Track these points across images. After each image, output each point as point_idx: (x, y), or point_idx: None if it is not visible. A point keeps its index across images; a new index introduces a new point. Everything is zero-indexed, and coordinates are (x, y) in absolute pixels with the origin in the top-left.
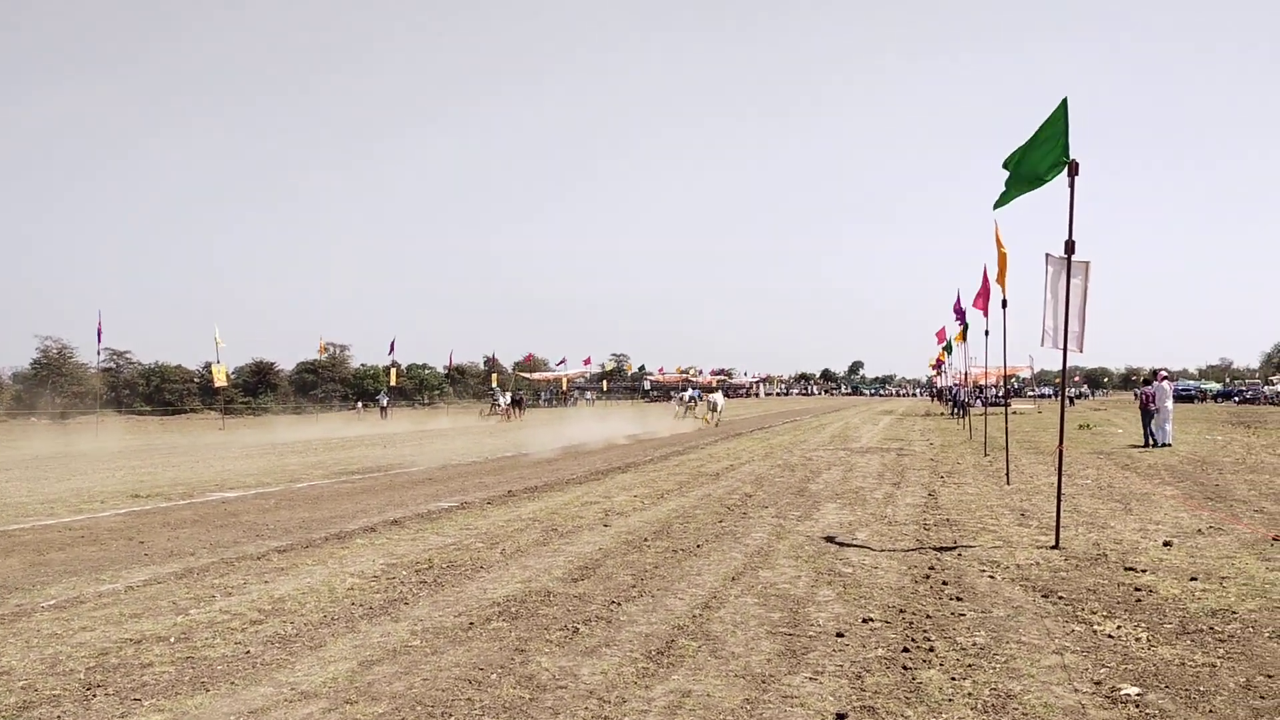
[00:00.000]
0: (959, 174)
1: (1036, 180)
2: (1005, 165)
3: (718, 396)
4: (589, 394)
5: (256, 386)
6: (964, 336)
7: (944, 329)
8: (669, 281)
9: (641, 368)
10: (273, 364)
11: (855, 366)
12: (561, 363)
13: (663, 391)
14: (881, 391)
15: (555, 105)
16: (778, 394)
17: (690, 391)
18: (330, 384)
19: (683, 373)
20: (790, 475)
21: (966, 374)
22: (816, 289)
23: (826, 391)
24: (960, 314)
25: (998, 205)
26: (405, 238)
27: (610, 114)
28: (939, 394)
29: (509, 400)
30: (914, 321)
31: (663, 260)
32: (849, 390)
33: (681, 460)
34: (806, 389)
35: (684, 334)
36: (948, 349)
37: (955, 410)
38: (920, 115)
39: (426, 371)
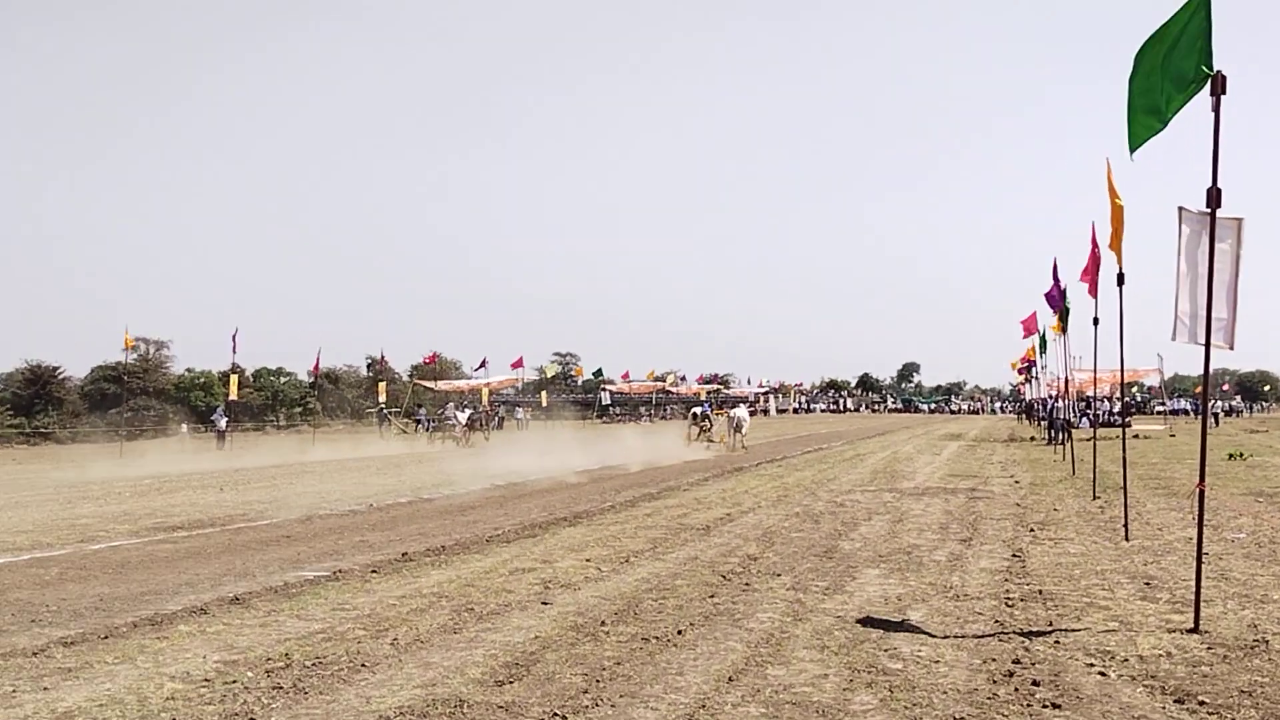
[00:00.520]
0: (1044, 96)
1: (1177, 95)
2: (1133, 86)
3: (740, 411)
4: (520, 410)
5: (32, 402)
6: (1063, 326)
7: (1033, 315)
8: (638, 257)
9: (598, 373)
10: (56, 369)
11: (908, 371)
12: (481, 366)
13: (629, 407)
14: (946, 406)
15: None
16: (795, 410)
17: (700, 407)
18: (142, 396)
19: (658, 380)
20: (813, 529)
21: (1067, 381)
22: (847, 266)
23: (867, 407)
24: (1057, 295)
25: (1134, 145)
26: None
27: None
28: (1028, 409)
29: (465, 419)
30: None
31: (629, 230)
32: (898, 404)
33: (655, 507)
34: (837, 402)
35: (660, 328)
36: (1040, 345)
37: (1051, 433)
38: (979, 17)
39: (284, 379)
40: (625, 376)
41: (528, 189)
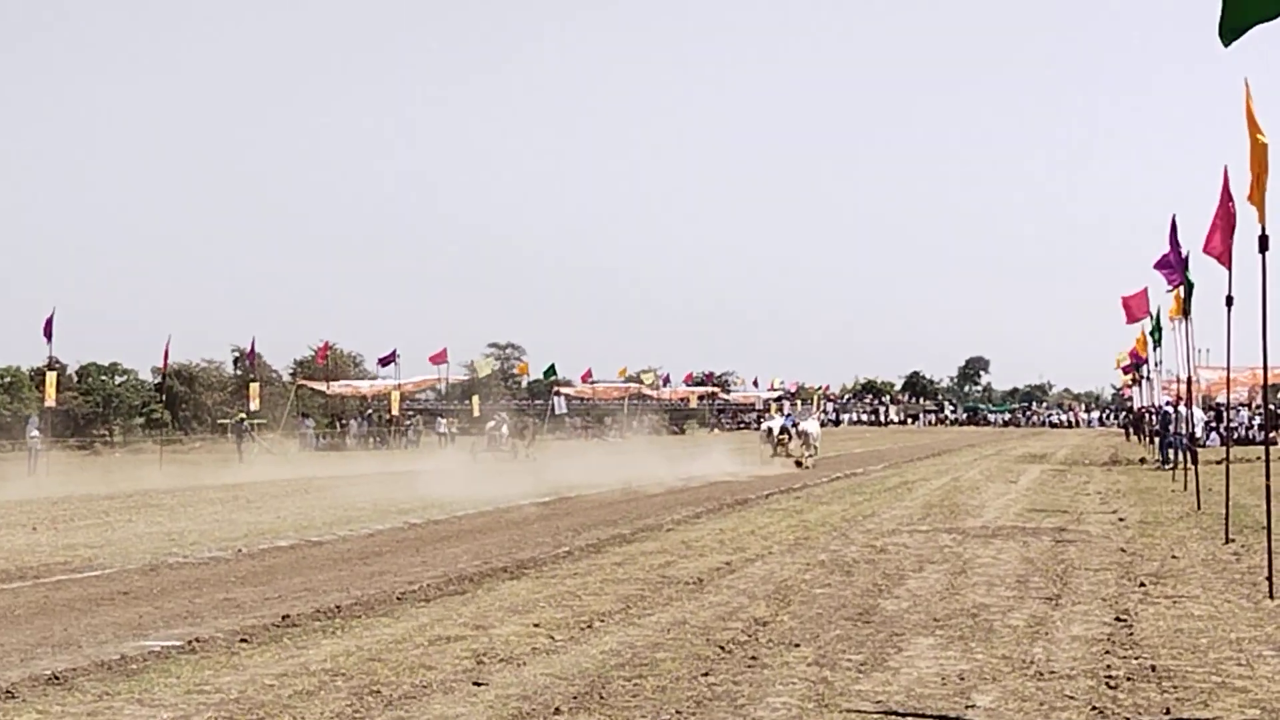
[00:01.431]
0: None
1: None
2: None
3: (810, 424)
4: (442, 422)
5: None
6: (1184, 308)
7: (1142, 293)
8: (602, 219)
9: (549, 372)
10: None
11: (972, 370)
12: (388, 361)
13: (593, 417)
14: (1025, 417)
15: None
16: (821, 420)
17: (783, 419)
18: None
19: (631, 381)
20: (844, 583)
21: (1190, 382)
22: (889, 226)
23: (913, 418)
24: (1176, 265)
25: (1228, 37)
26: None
27: None
28: (1136, 422)
29: (505, 431)
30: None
31: (588, 178)
32: (959, 414)
33: (629, 553)
34: (876, 412)
35: (636, 314)
36: (1152, 334)
37: (1167, 453)
38: None
39: (120, 379)
40: (587, 376)
41: (455, 128)
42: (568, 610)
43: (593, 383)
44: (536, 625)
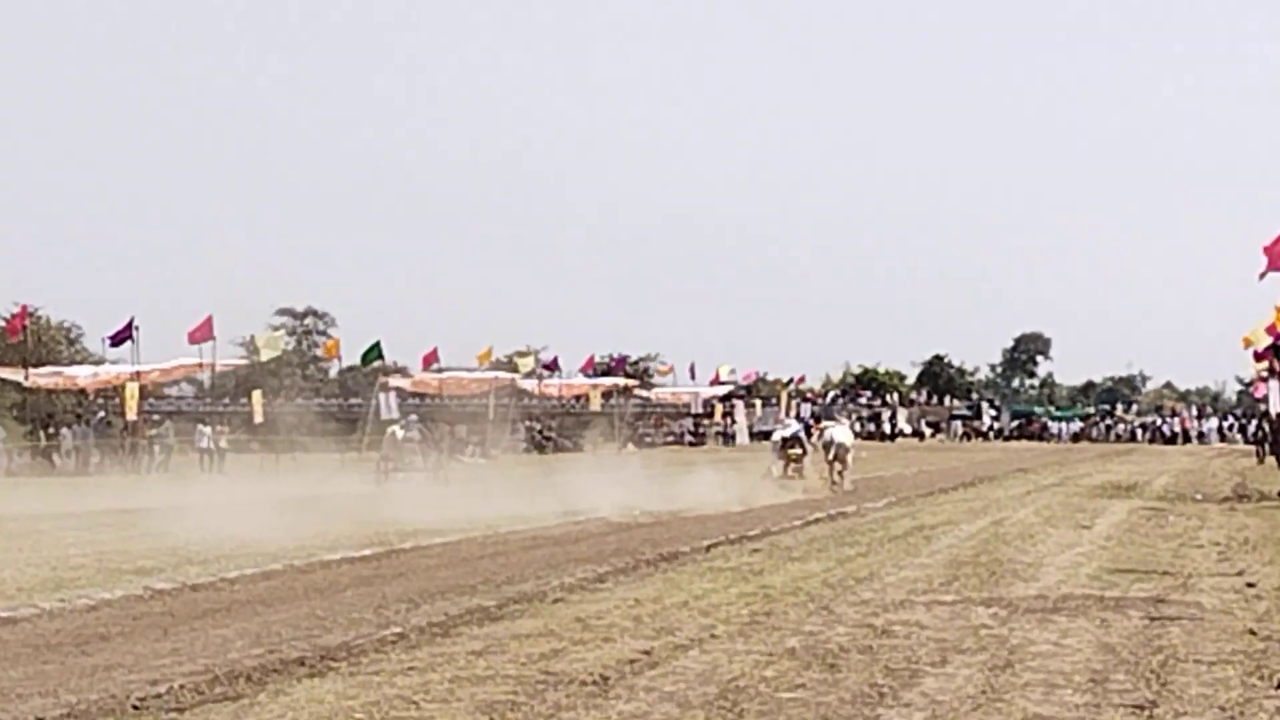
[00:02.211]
0: None
1: None
2: None
3: (840, 431)
4: (205, 429)
5: None
6: None
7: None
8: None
9: (371, 353)
10: None
11: (1025, 354)
12: (121, 339)
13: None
14: (1106, 424)
15: None
16: (794, 424)
17: (793, 426)
18: None
19: (500, 366)
20: (828, 682)
21: None
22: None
23: (931, 428)
24: None
25: None
26: None
27: None
28: (1277, 434)
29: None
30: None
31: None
32: (1008, 422)
33: (495, 636)
34: (877, 418)
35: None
36: None
37: None
38: None
39: None
40: (430, 361)
41: None
42: None
43: (440, 370)
44: None
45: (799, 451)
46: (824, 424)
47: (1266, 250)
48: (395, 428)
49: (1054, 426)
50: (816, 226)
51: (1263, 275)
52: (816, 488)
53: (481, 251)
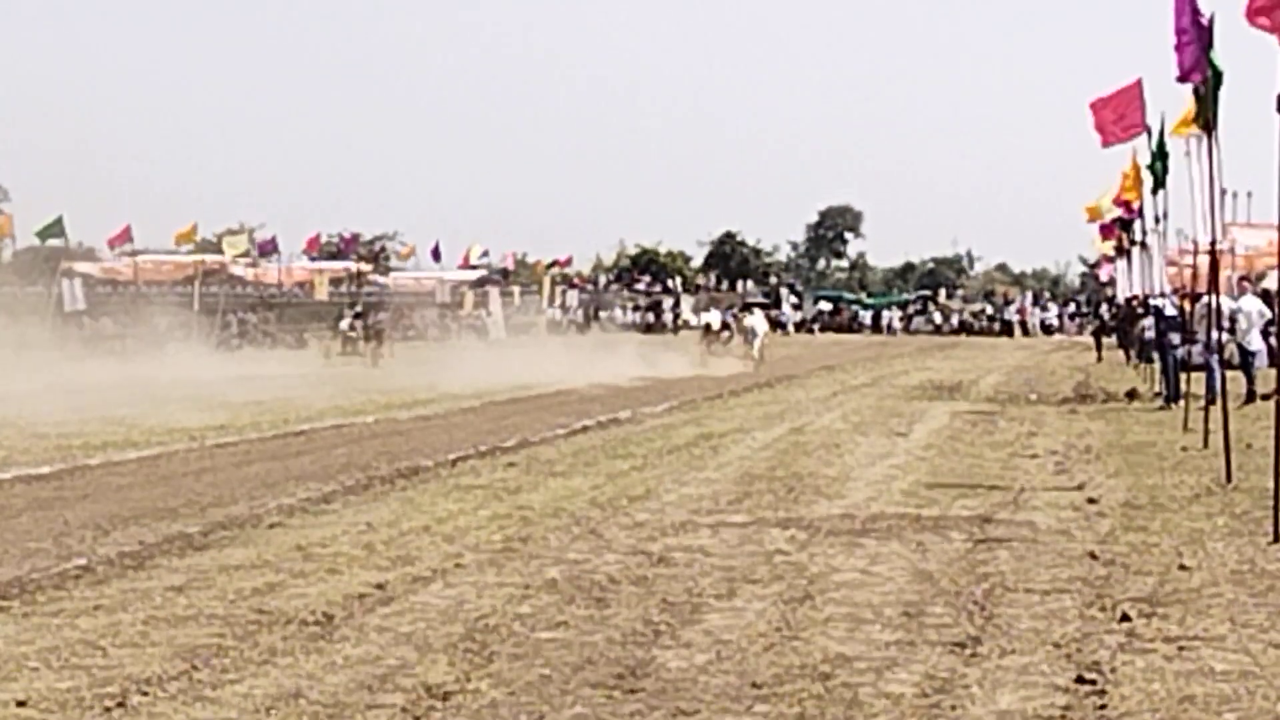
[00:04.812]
0: None
1: None
2: None
3: (756, 319)
4: None
5: None
6: (1205, 114)
7: (1133, 88)
8: None
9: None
10: None
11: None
12: None
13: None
14: (927, 312)
15: None
16: (718, 313)
17: (717, 312)
18: None
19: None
20: (594, 619)
21: (1215, 251)
22: None
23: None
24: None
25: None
26: None
27: None
28: (1120, 323)
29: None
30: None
31: None
32: (811, 309)
33: (197, 567)
34: (657, 307)
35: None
36: (1153, 163)
37: (1174, 381)
38: None
39: None
40: (120, 240)
41: None
42: (79, 675)
43: (133, 253)
44: (22, 704)
45: (727, 334)
46: (750, 318)
47: (1098, 109)
48: (346, 321)
49: (867, 316)
50: (585, 77)
51: (1107, 144)
52: (744, 364)
53: (182, 102)
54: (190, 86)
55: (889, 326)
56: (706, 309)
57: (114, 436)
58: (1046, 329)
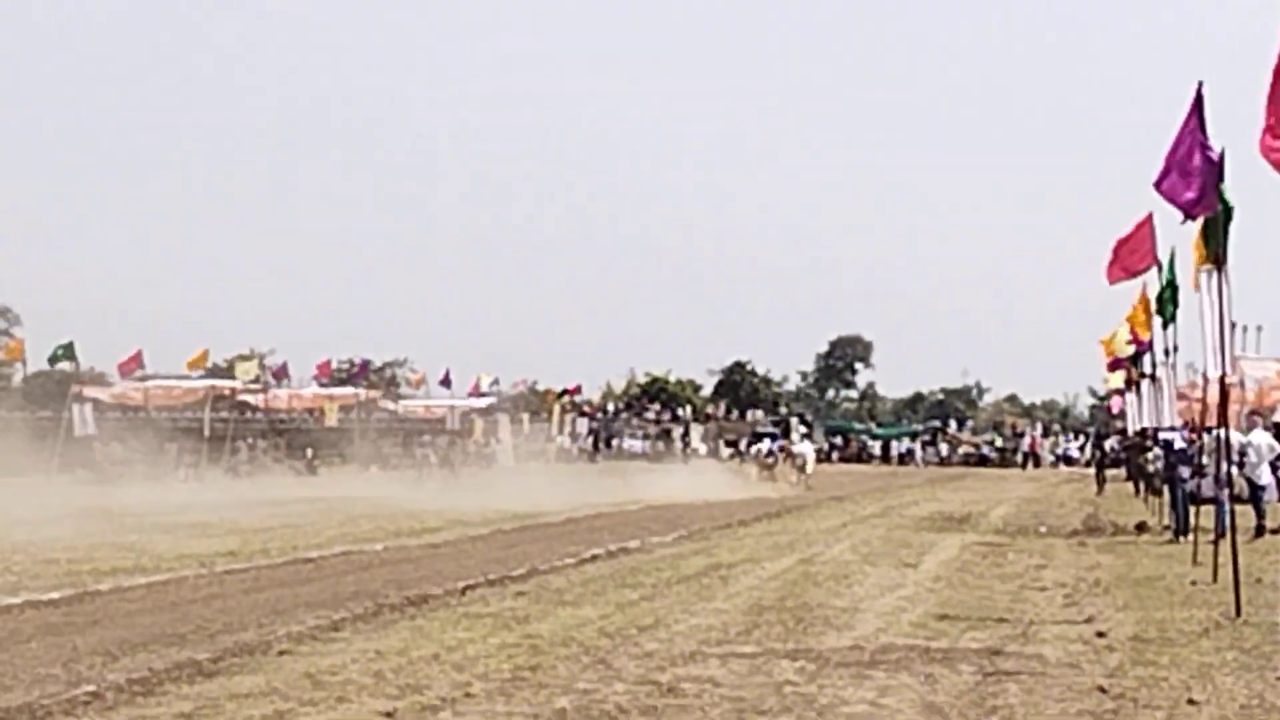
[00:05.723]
0: None
1: None
2: None
3: (805, 448)
4: None
5: None
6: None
7: (1144, 224)
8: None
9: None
10: None
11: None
12: None
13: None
14: (936, 443)
15: None
16: (769, 442)
17: (767, 442)
18: None
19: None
20: None
21: (1225, 386)
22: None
23: (730, 446)
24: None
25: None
26: None
27: None
28: (1128, 454)
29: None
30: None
31: None
32: (822, 441)
33: (206, 696)
34: (666, 435)
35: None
36: (1162, 302)
37: (1183, 514)
38: None
39: None
40: (132, 366)
41: None
42: None
43: (144, 378)
44: None
45: (772, 460)
46: (798, 446)
47: (1117, 249)
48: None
49: (876, 446)
50: (596, 208)
51: (1113, 280)
52: (787, 486)
53: (195, 237)
54: (202, 213)
55: (899, 457)
56: (756, 439)
57: (124, 562)
58: (1069, 461)
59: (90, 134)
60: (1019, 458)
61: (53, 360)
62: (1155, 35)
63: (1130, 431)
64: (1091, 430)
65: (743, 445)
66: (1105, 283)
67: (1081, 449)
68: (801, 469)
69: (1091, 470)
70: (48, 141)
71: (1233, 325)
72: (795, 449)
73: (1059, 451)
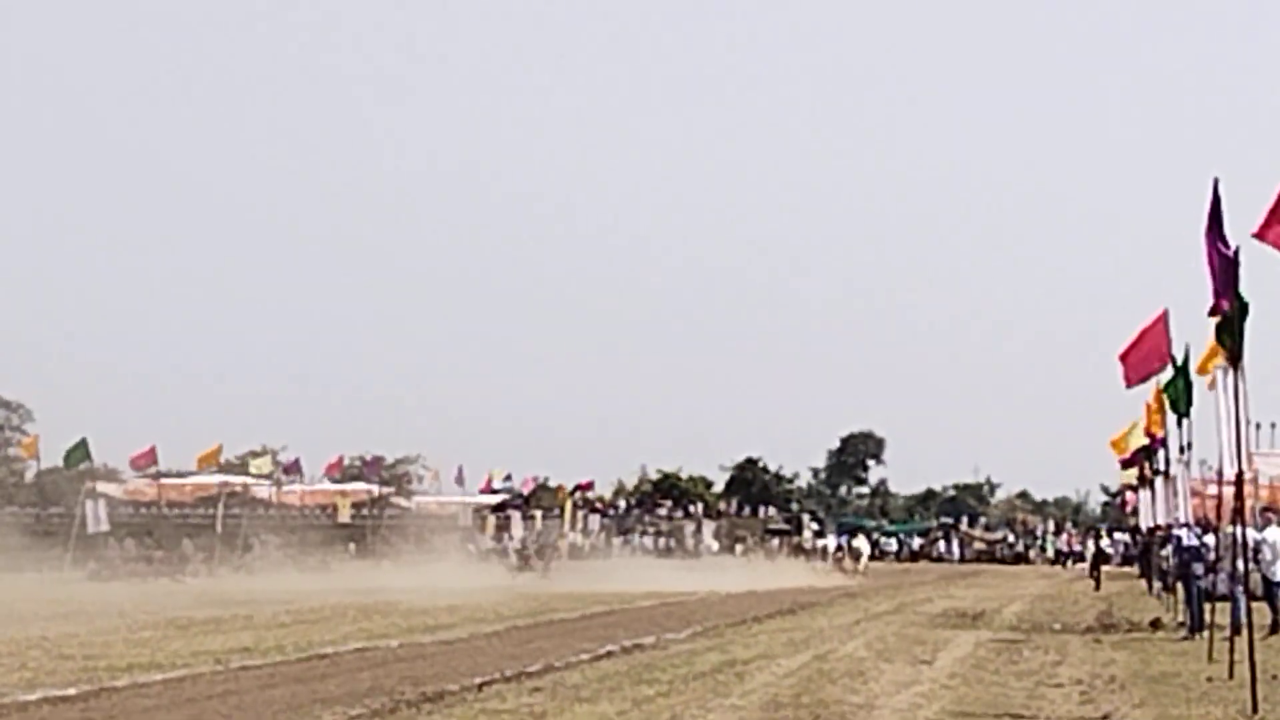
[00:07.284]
0: None
1: None
2: None
3: (861, 543)
4: None
5: None
6: (1230, 347)
7: (1158, 322)
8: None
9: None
10: None
11: (853, 456)
12: None
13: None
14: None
15: None
16: (835, 538)
17: (834, 538)
18: None
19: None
20: None
21: (1240, 481)
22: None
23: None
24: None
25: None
26: None
27: None
28: (1144, 553)
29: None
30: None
31: None
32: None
33: None
34: (677, 534)
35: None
36: (1174, 400)
37: (1198, 611)
38: None
39: None
40: (144, 461)
41: None
42: None
43: (157, 474)
44: None
45: (840, 554)
46: (855, 540)
47: (1123, 358)
48: (516, 534)
49: (890, 543)
50: (607, 304)
51: (1131, 385)
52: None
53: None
54: (214, 311)
55: (911, 553)
56: (820, 534)
57: (139, 658)
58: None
59: (101, 232)
60: (1051, 553)
61: (68, 462)
62: (1172, 131)
63: (1144, 526)
64: (1105, 525)
65: (773, 542)
66: (1122, 386)
67: (1081, 551)
68: (857, 559)
69: (1112, 567)
70: (58, 240)
71: (1247, 422)
72: (854, 544)
73: (1067, 549)
